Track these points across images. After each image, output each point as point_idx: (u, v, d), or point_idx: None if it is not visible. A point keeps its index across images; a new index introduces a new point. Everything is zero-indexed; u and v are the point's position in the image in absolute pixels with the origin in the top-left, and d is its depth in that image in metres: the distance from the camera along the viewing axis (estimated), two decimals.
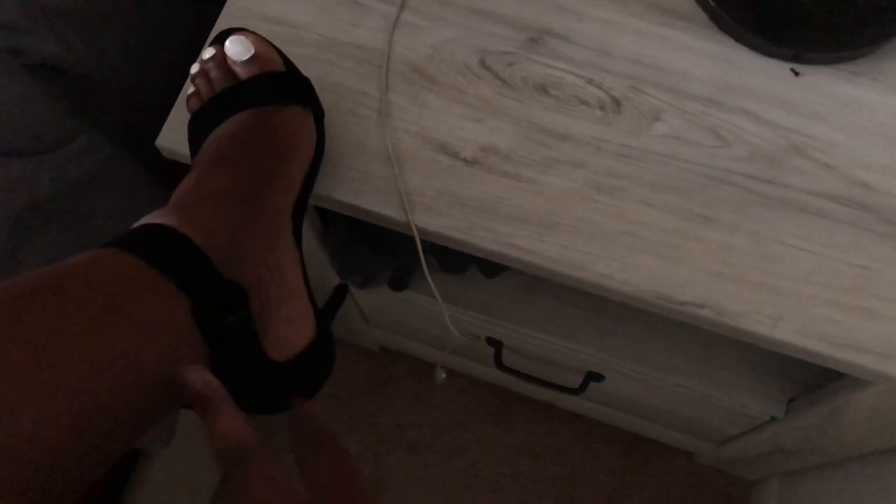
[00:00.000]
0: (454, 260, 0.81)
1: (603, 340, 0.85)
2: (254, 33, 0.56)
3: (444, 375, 0.97)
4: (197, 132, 0.55)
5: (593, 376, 0.90)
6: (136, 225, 0.45)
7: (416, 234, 0.59)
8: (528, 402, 1.23)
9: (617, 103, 0.62)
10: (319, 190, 0.60)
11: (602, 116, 0.61)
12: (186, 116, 0.57)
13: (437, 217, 0.59)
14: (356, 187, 0.60)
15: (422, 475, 1.22)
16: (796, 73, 0.62)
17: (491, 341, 0.92)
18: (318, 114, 0.58)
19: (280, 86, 0.56)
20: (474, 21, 0.65)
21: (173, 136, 0.62)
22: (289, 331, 0.49)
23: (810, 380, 0.81)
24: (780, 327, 0.56)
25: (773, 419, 0.83)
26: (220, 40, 0.57)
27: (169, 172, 0.62)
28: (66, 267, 0.39)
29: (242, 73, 0.55)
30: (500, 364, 0.92)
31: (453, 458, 1.23)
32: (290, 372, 0.48)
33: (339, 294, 0.53)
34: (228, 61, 0.55)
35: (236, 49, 0.54)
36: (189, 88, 0.57)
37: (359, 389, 1.26)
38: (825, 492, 0.95)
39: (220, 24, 0.65)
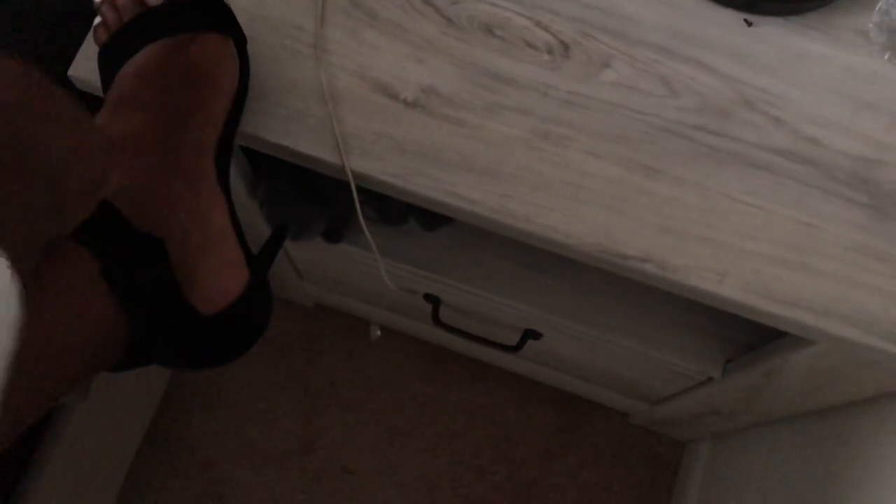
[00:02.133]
0: (393, 211, 0.77)
1: (542, 298, 0.83)
2: None
3: (378, 333, 0.94)
4: (108, 66, 0.51)
5: (531, 334, 0.88)
6: None
7: (351, 179, 0.56)
8: (463, 360, 1.21)
9: (566, 48, 0.59)
10: (247, 128, 0.56)
11: (550, 61, 0.59)
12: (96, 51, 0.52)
13: (374, 161, 0.56)
14: (287, 127, 0.56)
15: (355, 434, 1.20)
16: (749, 24, 0.60)
17: (428, 297, 0.89)
18: (240, 41, 0.54)
19: (194, 11, 0.52)
20: None
21: (88, 66, 0.57)
22: (217, 280, 0.46)
23: (748, 341, 0.80)
24: (724, 283, 0.55)
25: (710, 379, 0.83)
26: None
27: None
28: None
29: None
30: (437, 321, 0.89)
31: (387, 416, 1.21)
32: (221, 324, 0.45)
33: (278, 237, 0.49)
34: None
35: None
36: (96, 20, 0.52)
37: (291, 346, 1.23)
38: (755, 452, 0.96)
39: None
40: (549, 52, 0.59)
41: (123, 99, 0.48)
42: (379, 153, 0.56)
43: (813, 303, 0.54)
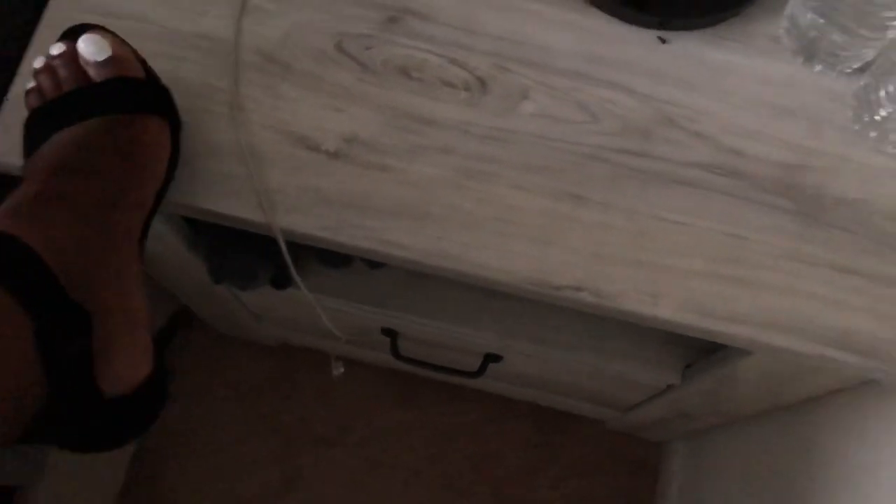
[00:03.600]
0: (335, 254, 0.77)
1: (497, 322, 0.83)
2: (112, 33, 0.51)
3: (341, 370, 0.94)
4: (35, 132, 0.50)
5: (491, 358, 0.88)
6: None
7: (279, 237, 0.55)
8: (434, 383, 1.21)
9: (482, 83, 0.59)
10: (173, 196, 0.55)
11: (468, 98, 0.59)
12: (17, 120, 0.52)
13: (301, 217, 0.56)
14: (212, 190, 0.56)
15: (334, 470, 1.19)
16: (663, 41, 0.60)
17: (385, 331, 0.89)
18: (175, 127, 0.54)
19: (138, 93, 0.52)
20: (328, 2, 0.60)
21: (2, 147, 0.56)
22: (126, 364, 0.45)
23: (705, 345, 0.81)
24: (660, 304, 0.55)
25: (670, 387, 0.83)
26: (71, 36, 0.51)
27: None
28: None
29: (96, 74, 0.50)
30: (396, 354, 0.89)
31: (364, 448, 1.20)
32: (122, 409, 0.45)
33: (172, 326, 0.49)
34: (81, 60, 0.50)
35: (91, 48, 0.49)
36: (29, 83, 0.51)
37: (260, 388, 1.22)
38: (727, 449, 0.97)
39: (49, 16, 0.59)
40: (467, 88, 0.59)
41: (62, 165, 0.47)
42: (305, 207, 0.56)
43: (749, 316, 0.54)
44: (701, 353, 0.81)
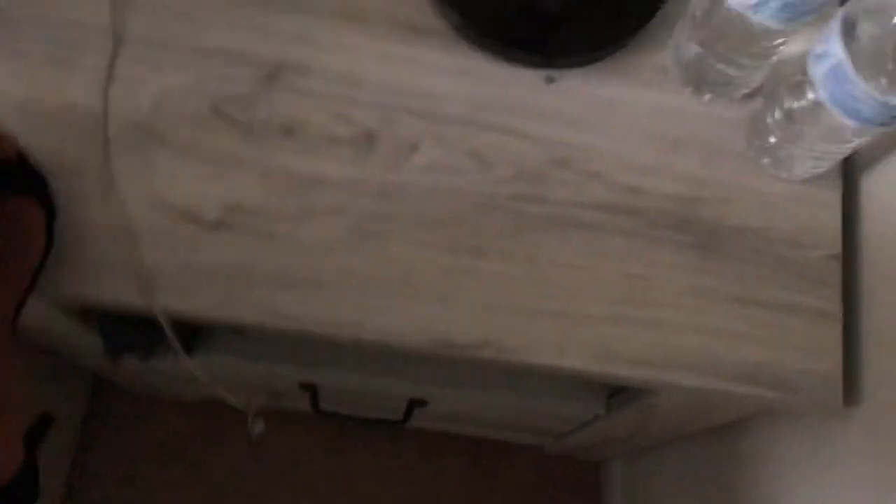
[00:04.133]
0: None
1: (416, 368, 0.81)
2: None
3: (262, 428, 0.90)
4: None
5: (416, 402, 0.86)
6: None
7: (162, 319, 0.52)
8: (367, 426, 1.18)
9: (370, 137, 0.57)
10: (45, 285, 0.52)
11: (355, 154, 0.56)
12: None
13: (185, 296, 0.53)
14: (87, 276, 0.52)
15: None
16: (551, 80, 0.59)
17: (304, 386, 0.86)
18: (51, 213, 0.51)
19: (14, 174, 0.48)
20: (201, 62, 0.58)
21: None
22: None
23: None
24: (566, 355, 0.53)
25: (597, 416, 0.82)
26: None
27: None
28: None
29: None
30: (317, 408, 0.86)
31: (299, 499, 1.16)
32: None
33: (44, 423, 0.46)
34: None
35: None
36: None
37: (188, 443, 1.17)
38: (662, 467, 0.96)
39: None
40: (354, 144, 0.57)
41: None
42: (189, 286, 0.53)
43: (655, 357, 0.53)
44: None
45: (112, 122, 0.56)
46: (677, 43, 0.59)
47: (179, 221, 0.54)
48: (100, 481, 1.15)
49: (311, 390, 0.85)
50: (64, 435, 1.12)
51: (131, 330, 0.72)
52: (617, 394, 0.79)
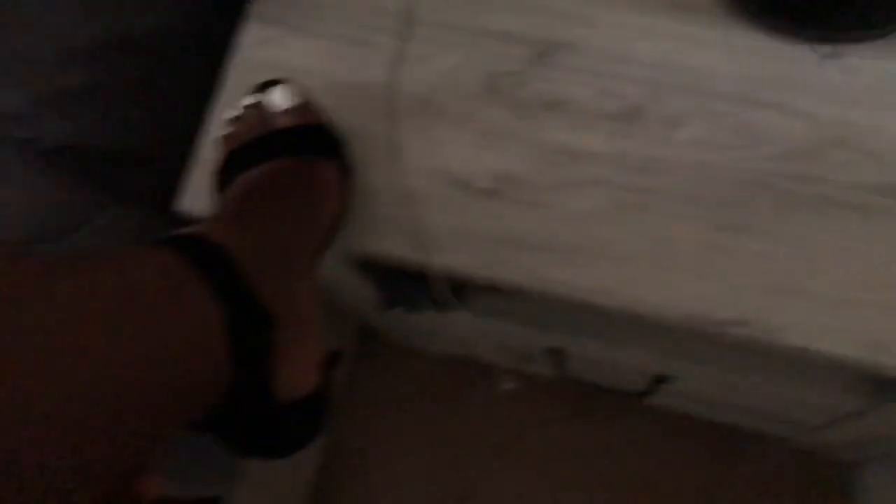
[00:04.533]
0: None
1: (667, 342, 0.81)
2: (298, 84, 0.57)
3: (511, 385, 0.95)
4: (229, 171, 0.56)
5: (660, 378, 0.86)
6: (182, 232, 0.45)
7: (436, 274, 0.58)
8: (608, 396, 1.20)
9: (636, 112, 0.58)
10: (340, 239, 0.59)
11: (620, 128, 0.58)
12: (202, 177, 0.57)
13: (457, 255, 0.58)
14: (375, 233, 0.59)
15: (508, 481, 1.21)
16: (831, 56, 0.57)
17: (551, 351, 0.89)
18: (348, 172, 0.58)
19: (318, 139, 0.57)
20: (480, 42, 0.62)
21: (192, 199, 0.62)
22: (297, 373, 0.49)
23: None
24: (830, 340, 0.52)
25: (860, 411, 0.78)
26: (261, 89, 0.58)
27: None
28: (116, 256, 0.39)
29: (282, 122, 0.56)
30: (563, 373, 0.89)
31: (538, 460, 1.21)
32: (290, 415, 0.48)
33: (335, 358, 0.52)
34: (269, 109, 0.56)
35: (278, 97, 0.56)
36: (225, 130, 0.57)
37: (435, 398, 1.26)
38: None
39: (228, 76, 0.65)
40: (618, 119, 0.58)
41: (255, 191, 0.53)
42: (461, 247, 0.58)
43: None
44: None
45: (400, 97, 0.62)
46: None
47: (455, 187, 0.59)
48: (351, 424, 1.27)
49: (559, 355, 0.88)
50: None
51: (404, 285, 0.79)
52: (887, 388, 0.74)
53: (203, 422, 0.42)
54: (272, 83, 0.57)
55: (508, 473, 1.21)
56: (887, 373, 0.52)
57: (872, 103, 0.56)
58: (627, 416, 1.21)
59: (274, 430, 0.48)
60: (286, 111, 0.56)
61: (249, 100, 0.57)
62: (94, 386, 0.33)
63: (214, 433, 0.46)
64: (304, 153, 0.56)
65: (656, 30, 0.60)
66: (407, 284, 0.80)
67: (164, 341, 0.37)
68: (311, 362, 0.50)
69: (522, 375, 1.17)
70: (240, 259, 0.44)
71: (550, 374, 1.10)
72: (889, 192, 0.53)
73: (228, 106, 0.58)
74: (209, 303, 0.41)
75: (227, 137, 0.57)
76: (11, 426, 0.29)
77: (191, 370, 0.39)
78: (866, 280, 0.52)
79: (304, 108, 0.57)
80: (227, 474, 0.81)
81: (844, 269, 0.53)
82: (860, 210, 0.53)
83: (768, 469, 1.15)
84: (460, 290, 0.84)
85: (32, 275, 0.35)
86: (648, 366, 0.85)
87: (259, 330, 0.44)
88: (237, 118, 0.58)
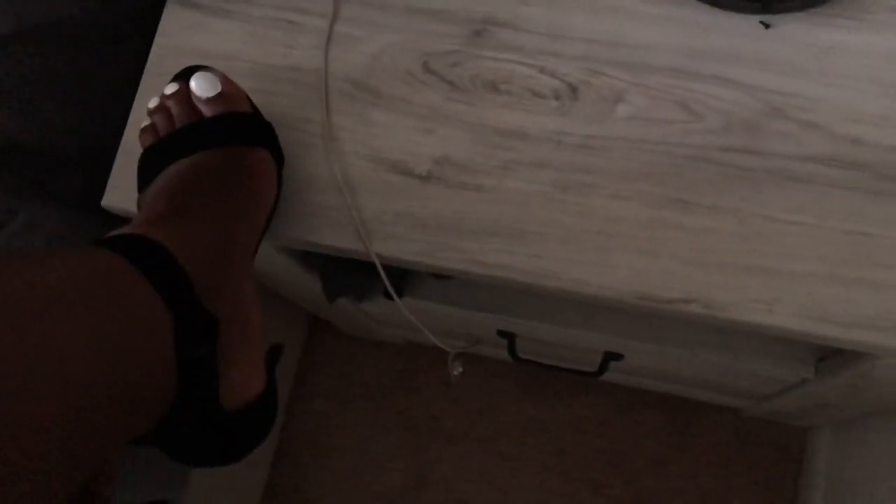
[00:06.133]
0: None
1: (615, 322, 0.81)
2: (220, 72, 0.54)
3: (460, 370, 0.94)
4: (151, 166, 0.53)
5: (612, 356, 0.86)
6: (117, 233, 0.42)
7: (378, 263, 0.56)
8: (561, 376, 1.19)
9: (574, 90, 0.57)
10: (274, 229, 0.57)
11: (559, 107, 0.57)
12: (130, 172, 0.55)
13: (397, 243, 0.56)
14: (310, 222, 0.57)
15: (465, 465, 1.20)
16: (767, 26, 0.56)
17: (502, 333, 0.88)
18: (279, 161, 0.56)
19: (248, 127, 0.54)
20: (413, 21, 0.60)
21: (119, 195, 0.60)
22: (243, 377, 0.47)
23: None
24: (777, 312, 0.51)
25: (805, 380, 0.79)
26: (183, 76, 0.55)
27: None
28: (58, 253, 0.37)
29: (207, 110, 0.53)
30: (514, 355, 0.89)
31: (494, 443, 1.21)
32: (238, 422, 0.46)
33: (276, 352, 0.50)
34: (193, 98, 0.53)
35: (202, 85, 0.52)
36: (143, 122, 0.54)
37: (389, 387, 1.25)
38: (881, 439, 0.91)
39: (151, 64, 0.62)
40: (557, 97, 0.57)
41: (183, 188, 0.50)
42: (401, 233, 0.56)
43: (878, 320, 0.50)
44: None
45: (332, 80, 0.60)
46: None
47: (393, 173, 0.57)
48: (306, 415, 1.25)
49: (509, 338, 0.87)
50: (283, 368, 1.23)
51: (347, 275, 0.77)
52: (828, 357, 0.75)
53: (147, 434, 0.41)
54: (194, 70, 0.54)
55: (465, 457, 1.20)
56: (832, 344, 0.52)
57: (807, 74, 0.55)
58: (581, 395, 1.21)
59: (222, 437, 0.46)
60: (210, 99, 0.53)
61: (171, 88, 0.54)
62: (46, 375, 0.31)
63: (158, 445, 0.44)
64: (232, 143, 0.53)
65: (594, 5, 0.58)
66: (351, 275, 0.78)
67: (113, 342, 0.35)
68: (257, 363, 0.48)
69: (475, 359, 1.16)
70: (183, 261, 0.42)
71: (502, 357, 1.09)
72: (830, 163, 0.53)
73: (150, 96, 0.55)
74: (156, 308, 0.39)
75: (145, 131, 0.54)
76: None
77: (140, 378, 0.37)
78: (811, 252, 0.52)
79: (229, 95, 0.54)
80: (179, 476, 0.79)
81: (789, 243, 0.52)
82: (801, 181, 0.53)
83: (723, 439, 1.16)
84: (405, 276, 0.83)
85: None
86: (599, 345, 0.84)
87: (205, 337, 0.43)
88: (157, 109, 0.55)
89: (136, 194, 0.54)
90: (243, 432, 0.48)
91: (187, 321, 0.41)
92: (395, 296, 0.59)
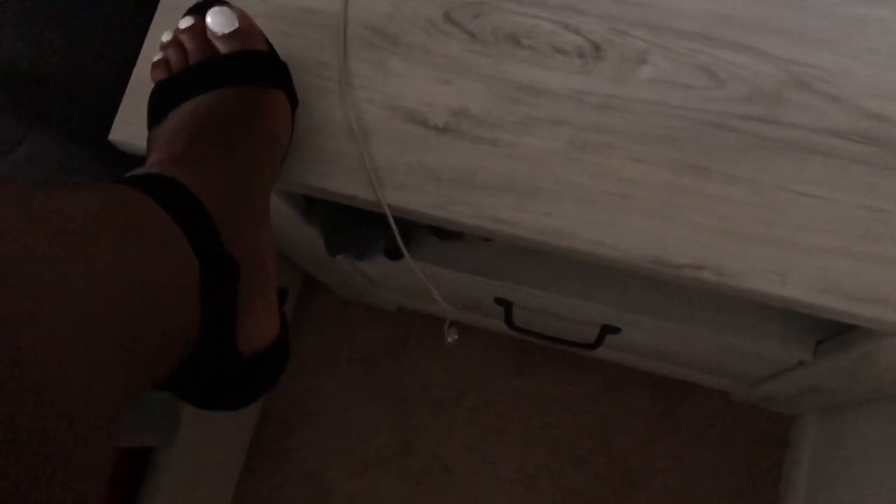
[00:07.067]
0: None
1: (615, 293, 0.80)
2: (237, 7, 0.52)
3: (455, 337, 0.94)
4: (162, 103, 0.51)
5: (609, 329, 0.86)
6: (142, 172, 0.41)
7: (388, 214, 0.55)
8: (552, 351, 1.19)
9: (597, 49, 0.56)
10: (284, 173, 0.56)
11: (581, 65, 0.56)
12: (140, 107, 0.53)
13: (410, 193, 0.55)
14: (322, 168, 0.56)
15: (451, 434, 1.20)
16: None
17: (500, 301, 0.88)
18: (293, 102, 0.55)
19: (264, 66, 0.53)
20: None
21: (128, 129, 0.58)
22: (258, 324, 0.46)
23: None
24: (788, 284, 0.51)
25: (801, 363, 0.79)
26: (198, 10, 0.53)
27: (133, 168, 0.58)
28: (92, 192, 0.36)
29: (222, 47, 0.51)
30: (510, 324, 0.88)
31: (481, 413, 1.21)
32: (253, 367, 0.45)
33: (282, 297, 0.50)
34: (208, 33, 0.51)
35: (219, 21, 0.51)
36: (156, 56, 0.53)
37: (379, 352, 1.24)
38: (866, 428, 0.91)
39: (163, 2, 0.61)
40: (580, 55, 0.56)
41: (199, 131, 0.49)
42: (414, 184, 0.55)
43: (890, 296, 0.50)
44: (835, 327, 0.76)
45: (351, 25, 0.58)
46: None
47: (408, 122, 0.56)
48: (294, 377, 1.24)
49: (506, 306, 0.87)
50: None
51: (350, 230, 0.76)
52: (827, 339, 0.75)
53: (166, 378, 0.40)
54: (211, 4, 0.53)
55: (453, 426, 1.20)
56: (842, 319, 0.52)
57: (835, 46, 0.55)
58: (572, 372, 1.21)
59: (237, 382, 0.46)
60: (227, 36, 0.51)
61: (186, 22, 0.52)
62: (91, 303, 0.30)
63: (172, 389, 0.44)
64: (247, 82, 0.52)
65: None
66: (353, 230, 0.77)
67: (147, 282, 0.34)
68: (272, 308, 0.47)
69: (469, 330, 1.16)
70: (208, 203, 0.42)
71: (498, 326, 1.09)
72: (850, 137, 0.53)
73: (164, 29, 0.54)
74: (186, 252, 0.38)
75: (157, 65, 0.53)
76: (14, 329, 0.26)
77: (168, 321, 0.36)
78: (825, 225, 0.52)
79: (246, 32, 0.52)
80: (168, 426, 0.78)
81: (804, 215, 0.52)
82: (820, 154, 0.53)
83: (710, 422, 1.17)
84: (408, 236, 0.82)
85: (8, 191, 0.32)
86: (597, 318, 0.84)
87: (228, 284, 0.42)
88: (171, 43, 0.53)
89: (145, 130, 0.53)
90: (258, 377, 0.47)
91: (213, 266, 0.40)
92: (403, 249, 0.59)
